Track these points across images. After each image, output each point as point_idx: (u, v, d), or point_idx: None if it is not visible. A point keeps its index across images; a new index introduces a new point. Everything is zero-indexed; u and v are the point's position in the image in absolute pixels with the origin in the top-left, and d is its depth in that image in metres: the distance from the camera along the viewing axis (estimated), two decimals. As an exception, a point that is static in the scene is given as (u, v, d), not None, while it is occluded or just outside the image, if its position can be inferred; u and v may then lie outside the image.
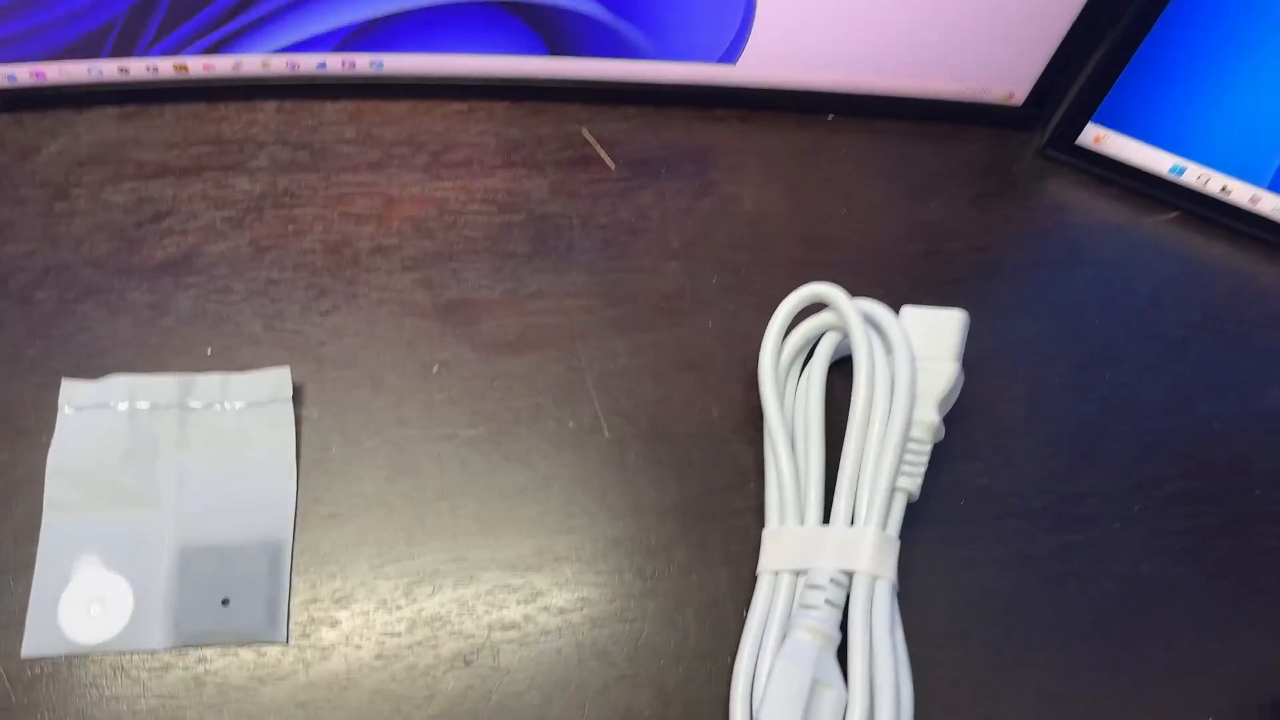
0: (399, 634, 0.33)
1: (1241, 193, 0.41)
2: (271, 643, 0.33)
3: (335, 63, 0.40)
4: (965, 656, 0.33)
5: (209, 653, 0.32)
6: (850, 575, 0.32)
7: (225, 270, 0.38)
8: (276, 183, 0.40)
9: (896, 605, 0.32)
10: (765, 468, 0.35)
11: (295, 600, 0.33)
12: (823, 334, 0.36)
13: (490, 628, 0.33)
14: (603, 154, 0.42)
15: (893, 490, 0.33)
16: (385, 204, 0.40)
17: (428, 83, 0.41)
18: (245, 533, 0.35)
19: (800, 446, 0.35)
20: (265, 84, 0.41)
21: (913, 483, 0.34)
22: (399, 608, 0.33)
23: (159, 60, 0.39)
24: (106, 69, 0.39)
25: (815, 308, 0.36)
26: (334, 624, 0.33)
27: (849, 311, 0.35)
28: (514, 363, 0.37)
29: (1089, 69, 0.41)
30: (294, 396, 0.36)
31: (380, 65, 0.40)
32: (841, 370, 0.36)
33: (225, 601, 0.33)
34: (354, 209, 0.40)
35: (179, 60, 0.39)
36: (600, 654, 0.33)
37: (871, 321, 0.35)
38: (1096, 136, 0.42)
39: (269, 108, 0.42)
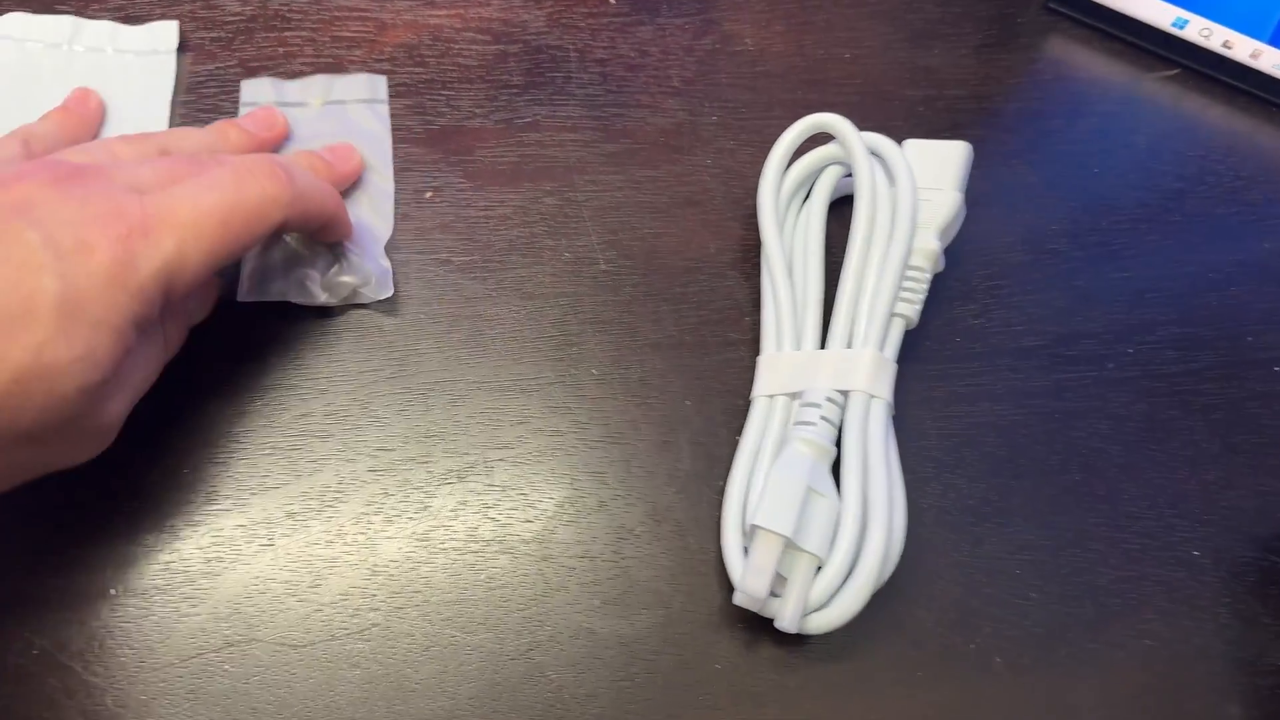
0: (392, 449, 0.33)
1: (1242, 48, 0.41)
2: None
3: (327, -121, 0.38)
4: (956, 487, 0.33)
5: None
6: (846, 395, 0.32)
7: (214, 91, 0.37)
8: (266, 5, 0.39)
9: (892, 425, 0.32)
10: (762, 297, 0.35)
11: (290, 413, 0.33)
12: (824, 167, 0.36)
13: (484, 446, 0.33)
14: (601, -11, 0.41)
15: (891, 315, 0.33)
16: (377, 29, 0.39)
17: (422, -92, 0.40)
18: None
19: (798, 275, 0.34)
20: (254, -98, 0.39)
21: (912, 309, 0.34)
22: (390, 425, 0.33)
23: None
24: (87, -124, 0.37)
25: (817, 142, 0.36)
26: (326, 437, 0.33)
27: (853, 140, 0.34)
28: (508, 192, 0.37)
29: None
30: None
31: (375, -116, 0.39)
32: (840, 212, 0.36)
33: None
34: (345, 33, 0.39)
35: None
36: (593, 474, 0.33)
37: (875, 152, 0.35)
38: (1102, -13, 0.42)
39: (258, -73, 0.40)
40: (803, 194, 0.36)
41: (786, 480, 0.30)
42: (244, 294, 0.34)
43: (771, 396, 0.33)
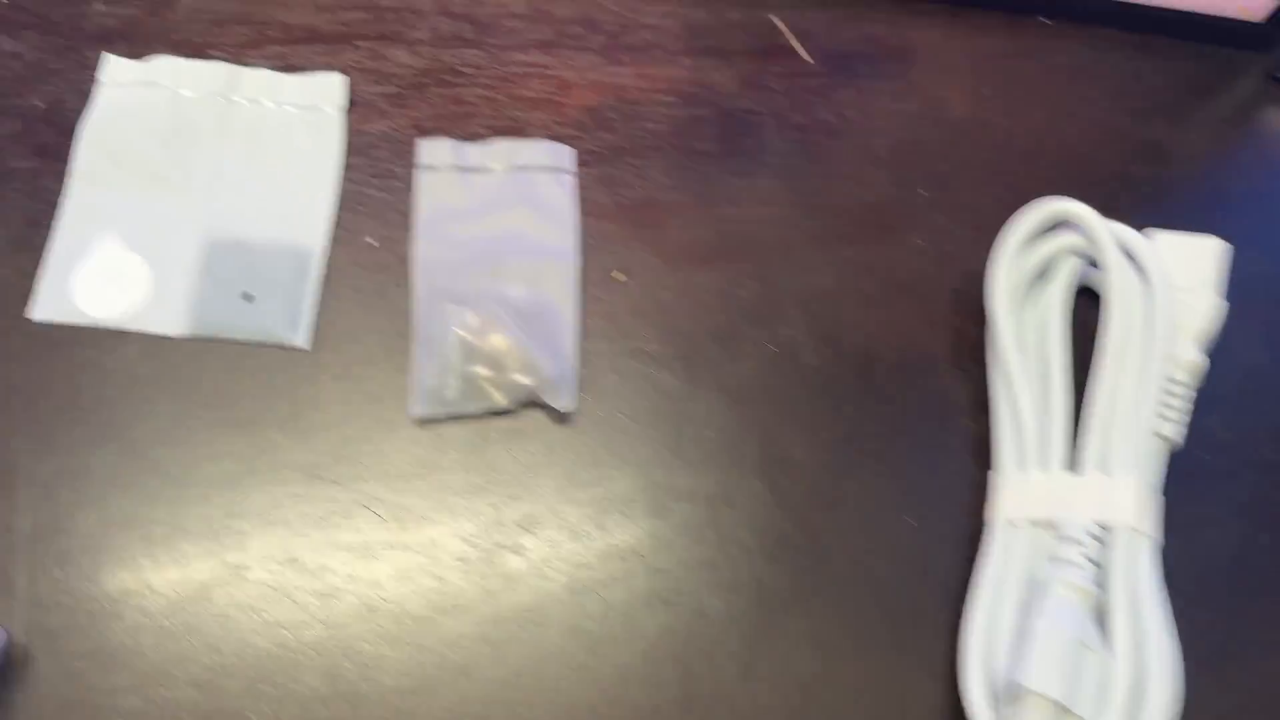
0: (590, 565, 0.30)
1: None
2: (292, 347, 0.32)
3: (511, -77, 0.35)
4: (1201, 621, 0.30)
5: (381, 575, 0.29)
6: (1107, 529, 0.29)
7: (386, 154, 0.34)
8: (439, 58, 0.36)
9: (1160, 565, 0.29)
10: (992, 404, 0.32)
11: (478, 521, 0.30)
12: (1062, 258, 0.33)
13: (689, 565, 0.30)
14: (796, 45, 0.37)
15: (1152, 435, 0.30)
16: (559, 88, 0.36)
17: (605, -46, 0.37)
18: (275, 233, 0.33)
19: (1038, 381, 0.31)
20: (427, -56, 0.36)
21: (1175, 430, 0.30)
22: (589, 537, 0.30)
23: (314, -92, 0.34)
24: (254, -85, 0.34)
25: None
26: (519, 551, 0.30)
27: (1101, 233, 0.31)
28: (705, 274, 0.34)
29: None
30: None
31: (561, -71, 0.36)
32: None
33: (247, 297, 0.32)
34: (525, 92, 0.36)
35: (337, -91, 0.34)
36: (793, 593, 0.30)
37: (1123, 246, 0.31)
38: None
39: (428, -28, 0.37)
40: (1037, 287, 0.33)
41: (1055, 634, 0.27)
42: (419, 409, 0.31)
43: (1014, 523, 0.30)
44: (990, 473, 0.31)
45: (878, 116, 0.37)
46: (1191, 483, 0.31)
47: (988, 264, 0.32)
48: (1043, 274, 0.33)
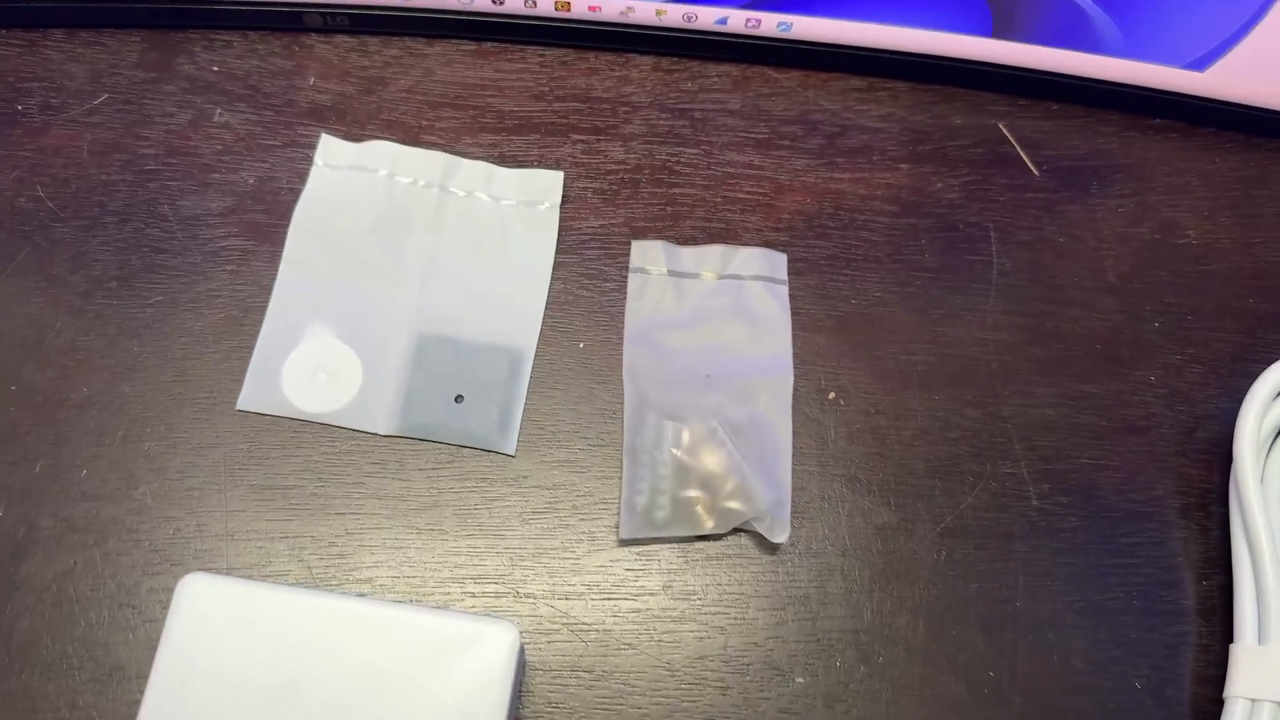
0: (796, 711, 0.28)
1: None
2: (500, 452, 0.31)
3: (739, 20, 0.34)
4: None
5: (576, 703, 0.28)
6: (1374, 727, 0.26)
7: (597, 252, 0.33)
8: (653, 154, 0.35)
9: None
10: (1235, 568, 0.29)
11: (681, 652, 0.29)
12: (1316, 416, 0.30)
13: (895, 713, 0.28)
14: (1024, 156, 0.36)
15: None
16: (773, 191, 0.35)
17: (826, 50, 0.36)
18: (487, 331, 0.32)
19: (1265, 534, 0.29)
20: (648, 33, 0.35)
21: None
22: (791, 678, 0.29)
23: (542, -5, 0.34)
24: None
25: None
26: (725, 690, 0.28)
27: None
28: (924, 399, 0.32)
29: None
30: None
31: (788, 28, 0.34)
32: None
33: (459, 398, 0.31)
34: (738, 193, 0.35)
35: (564, -3, 0.34)
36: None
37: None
38: None
39: (644, 63, 0.36)
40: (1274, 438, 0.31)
41: None
42: (627, 531, 0.30)
43: (1254, 701, 0.28)
44: (1231, 645, 0.29)
45: (1108, 238, 0.35)
46: None
47: (1238, 418, 0.30)
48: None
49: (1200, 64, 0.34)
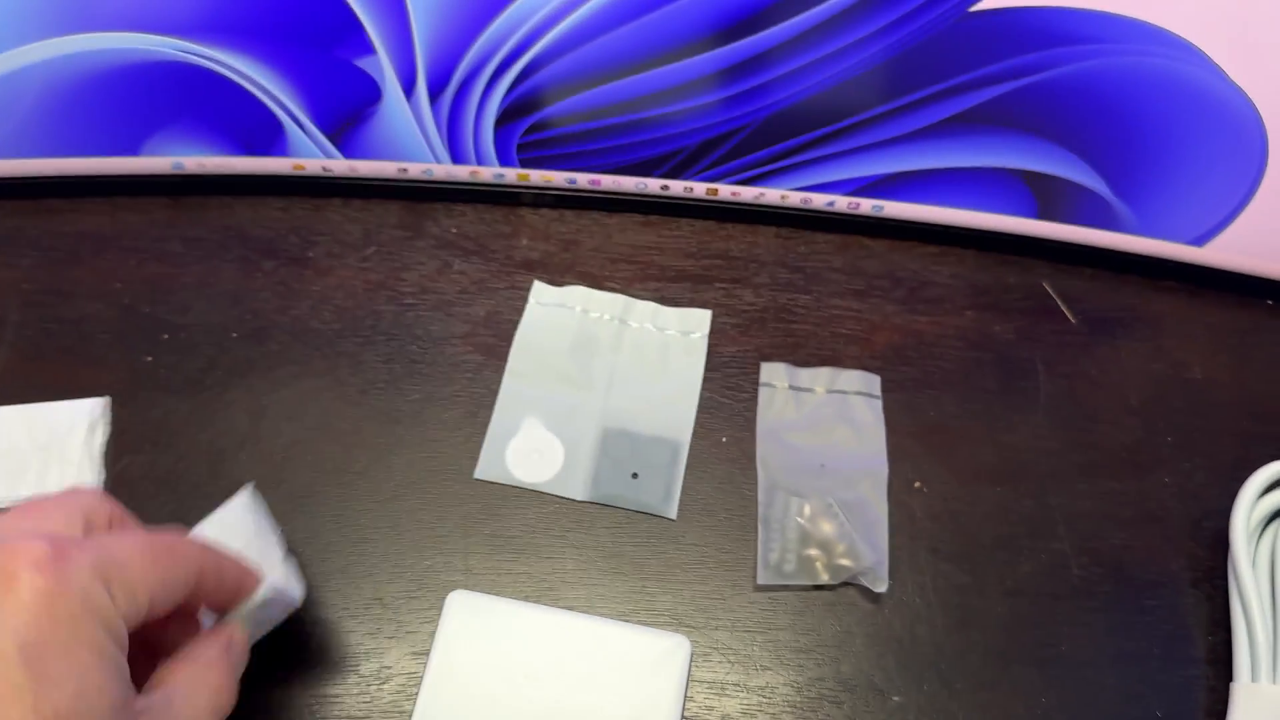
0: (894, 722, 0.37)
1: None
2: (665, 517, 0.41)
3: (843, 203, 0.46)
4: None
5: (731, 709, 0.37)
6: (1341, 743, 0.34)
7: (735, 371, 0.44)
8: (776, 299, 0.46)
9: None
10: (1233, 622, 0.38)
11: (805, 674, 0.38)
12: (1293, 508, 0.39)
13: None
14: (1064, 307, 0.46)
15: (1375, 671, 0.36)
16: (869, 329, 0.45)
17: (909, 225, 0.47)
18: (654, 427, 0.43)
19: (1269, 605, 0.38)
20: (772, 211, 0.47)
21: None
22: (889, 698, 0.37)
23: (697, 183, 0.45)
24: (651, 185, 0.46)
25: None
26: (838, 702, 0.37)
27: (1332, 493, 0.38)
28: (990, 490, 0.42)
29: None
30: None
31: (880, 209, 0.46)
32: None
33: (634, 475, 0.41)
34: (842, 330, 0.45)
35: (713, 186, 0.45)
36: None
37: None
38: None
39: (769, 232, 0.48)
40: (1269, 526, 0.40)
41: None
42: (763, 579, 0.39)
43: (1251, 725, 0.36)
44: (1231, 684, 0.37)
45: (1131, 372, 0.45)
46: None
47: (1233, 507, 0.39)
48: (1270, 516, 0.39)
49: (1200, 240, 0.45)
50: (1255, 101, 0.39)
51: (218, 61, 0.41)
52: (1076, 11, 0.37)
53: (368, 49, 0.40)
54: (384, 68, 0.41)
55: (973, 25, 0.38)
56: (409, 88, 0.42)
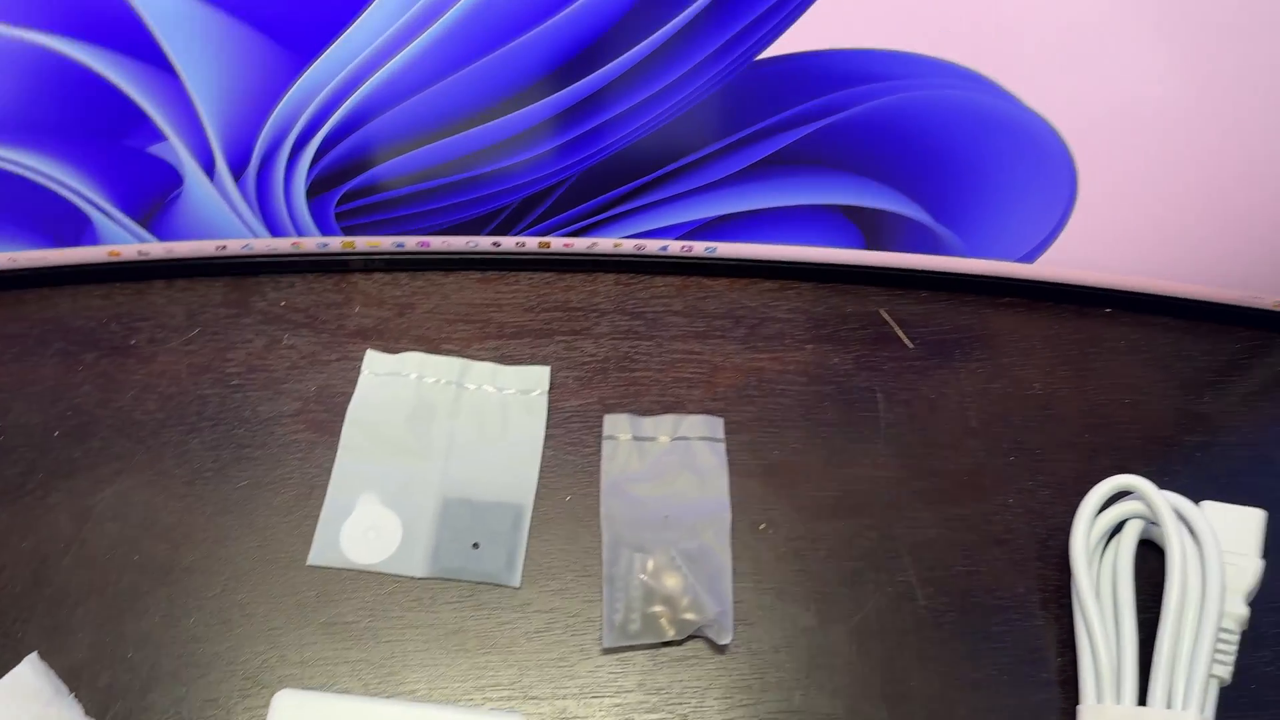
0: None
1: None
2: (509, 586, 0.40)
3: (675, 247, 0.45)
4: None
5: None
6: (1175, 758, 0.35)
7: (578, 425, 0.43)
8: (618, 348, 0.46)
9: (1220, 790, 0.34)
10: (1078, 646, 0.38)
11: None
12: (1127, 520, 0.40)
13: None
14: (900, 334, 0.46)
15: (1208, 677, 0.36)
16: (710, 371, 0.45)
17: (745, 263, 0.47)
18: (495, 492, 0.42)
19: (1112, 629, 0.38)
20: (609, 259, 0.46)
21: (1225, 670, 0.37)
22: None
23: (528, 238, 0.45)
24: (482, 242, 0.45)
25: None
26: (689, 762, 0.37)
27: (1161, 506, 0.38)
28: (833, 526, 0.41)
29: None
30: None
31: (714, 250, 0.45)
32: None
33: (475, 545, 0.40)
34: (684, 374, 0.45)
35: (545, 239, 0.45)
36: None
37: (1180, 515, 0.38)
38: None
39: (608, 279, 0.48)
40: (1109, 544, 0.40)
41: None
42: (608, 641, 0.39)
43: (1096, 746, 0.36)
44: (1078, 706, 0.37)
45: (970, 394, 0.45)
46: (1242, 713, 0.37)
47: (1071, 529, 0.39)
48: (1112, 533, 0.40)
49: (1030, 257, 0.45)
50: (1053, 122, 0.39)
51: (9, 160, 0.40)
52: (861, 52, 0.37)
53: (158, 136, 0.39)
54: (179, 152, 0.40)
55: (763, 73, 0.38)
56: (209, 169, 0.40)
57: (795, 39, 0.37)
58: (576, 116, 0.40)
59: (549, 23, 0.37)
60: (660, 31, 0.37)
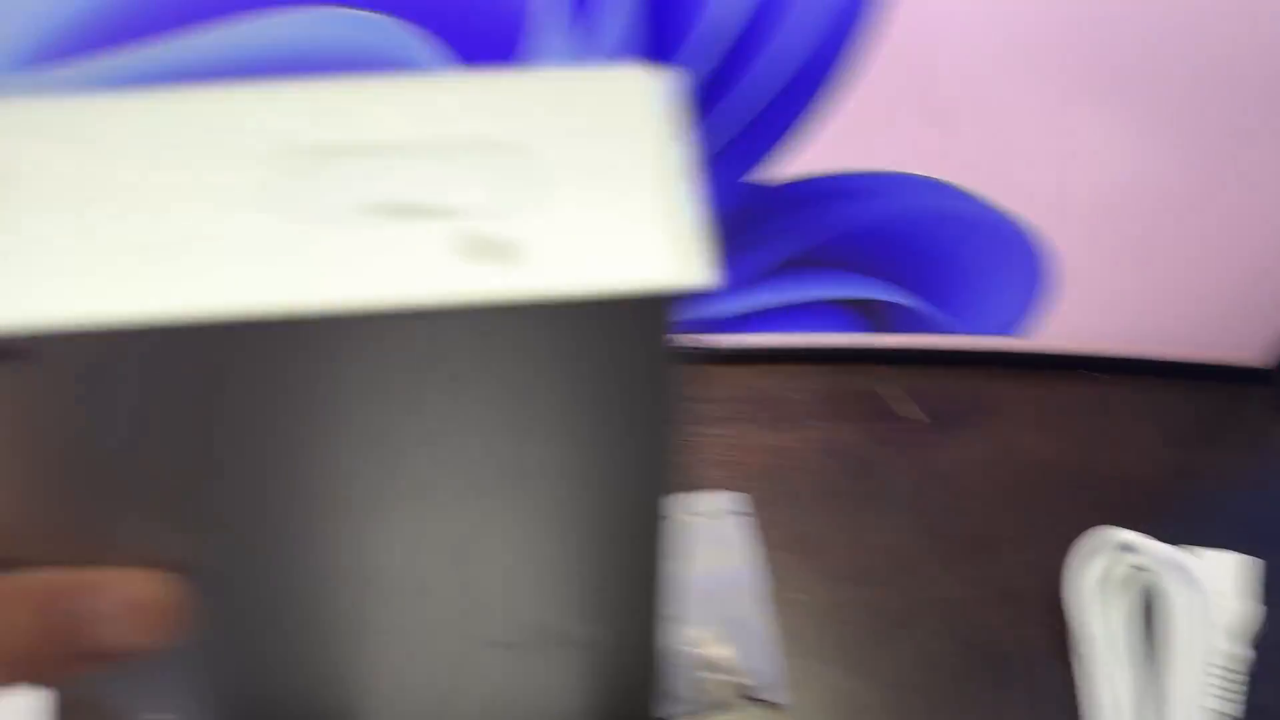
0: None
1: None
2: None
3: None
4: None
5: None
6: (1190, 792, 0.38)
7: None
8: (647, 434, 0.49)
9: (1231, 821, 0.38)
10: (1079, 692, 0.41)
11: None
12: (1125, 573, 0.43)
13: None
14: (907, 408, 0.50)
15: (1215, 714, 0.39)
16: (736, 452, 0.49)
17: (760, 353, 0.51)
18: None
19: (1114, 673, 0.41)
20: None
21: (1234, 706, 0.40)
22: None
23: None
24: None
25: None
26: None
27: (1157, 557, 0.41)
28: (860, 591, 0.45)
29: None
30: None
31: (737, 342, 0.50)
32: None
33: None
34: (711, 455, 0.49)
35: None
36: None
37: (1176, 566, 0.42)
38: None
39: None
40: (1106, 595, 0.44)
41: None
42: (660, 712, 0.41)
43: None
44: (1092, 746, 0.40)
45: (973, 461, 0.49)
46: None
47: (1066, 582, 0.42)
48: (1108, 583, 0.43)
49: (1020, 331, 0.49)
50: (1021, 214, 0.44)
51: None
52: (842, 176, 0.42)
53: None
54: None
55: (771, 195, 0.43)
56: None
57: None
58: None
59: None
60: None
